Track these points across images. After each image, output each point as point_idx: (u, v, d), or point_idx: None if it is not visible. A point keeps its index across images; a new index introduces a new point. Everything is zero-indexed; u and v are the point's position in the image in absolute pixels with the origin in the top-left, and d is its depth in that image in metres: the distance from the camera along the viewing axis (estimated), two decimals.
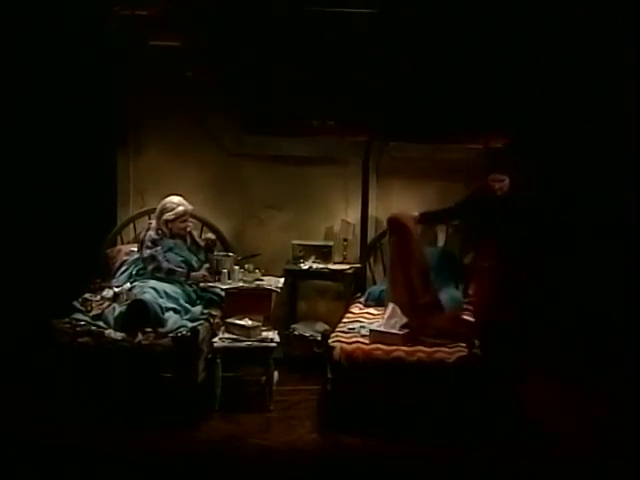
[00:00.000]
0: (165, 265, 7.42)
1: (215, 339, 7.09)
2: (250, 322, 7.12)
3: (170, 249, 7.54)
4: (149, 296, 7.03)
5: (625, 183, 7.77)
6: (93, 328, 6.86)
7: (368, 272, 8.16)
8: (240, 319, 7.15)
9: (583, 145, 7.74)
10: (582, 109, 7.72)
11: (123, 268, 7.65)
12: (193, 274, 7.49)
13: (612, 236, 7.79)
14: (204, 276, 7.47)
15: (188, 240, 7.69)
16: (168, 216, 7.56)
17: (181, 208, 7.59)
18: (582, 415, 6.94)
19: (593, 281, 7.83)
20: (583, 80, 7.73)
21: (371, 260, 8.19)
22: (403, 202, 8.18)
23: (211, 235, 7.96)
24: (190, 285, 7.46)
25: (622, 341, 7.68)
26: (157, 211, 7.63)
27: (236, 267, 7.43)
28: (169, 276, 7.39)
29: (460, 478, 6.15)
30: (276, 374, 7.29)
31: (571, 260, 7.80)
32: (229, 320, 7.20)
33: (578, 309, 7.77)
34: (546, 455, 6.33)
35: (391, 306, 7.00)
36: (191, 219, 7.78)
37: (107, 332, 6.81)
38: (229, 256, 7.54)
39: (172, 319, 6.98)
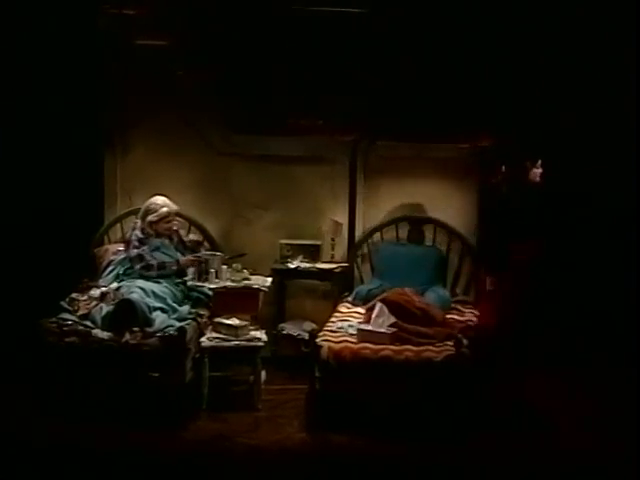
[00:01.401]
0: (154, 261, 7.42)
1: (203, 338, 7.08)
2: (238, 321, 7.12)
3: (157, 248, 7.53)
4: (136, 295, 7.01)
5: (625, 183, 7.78)
6: (80, 328, 6.84)
7: (356, 271, 8.16)
8: (228, 318, 7.15)
9: (583, 145, 7.74)
10: (582, 109, 7.72)
11: (110, 268, 7.62)
12: (182, 259, 7.49)
13: (612, 236, 7.79)
14: (194, 257, 7.46)
15: (175, 239, 7.68)
16: (152, 217, 7.54)
17: (165, 209, 7.56)
18: (582, 415, 6.94)
19: (593, 281, 7.83)
20: (583, 80, 7.74)
21: (358, 259, 8.19)
22: (391, 201, 8.21)
23: (194, 236, 7.95)
24: (178, 284, 7.45)
25: (622, 341, 7.69)
26: (141, 212, 7.61)
27: (224, 266, 7.42)
28: (160, 271, 7.39)
29: (448, 477, 6.15)
30: (264, 373, 7.29)
31: (571, 260, 7.81)
32: (217, 319, 7.20)
33: (578, 309, 7.78)
34: (540, 455, 6.33)
35: (379, 305, 7.01)
36: (178, 218, 7.76)
37: (94, 332, 6.79)
38: (216, 255, 7.52)
39: (159, 318, 6.97)
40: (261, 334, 7.16)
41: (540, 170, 6.99)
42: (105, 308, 6.98)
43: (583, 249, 7.80)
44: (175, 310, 7.20)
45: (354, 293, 7.86)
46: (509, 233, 7.00)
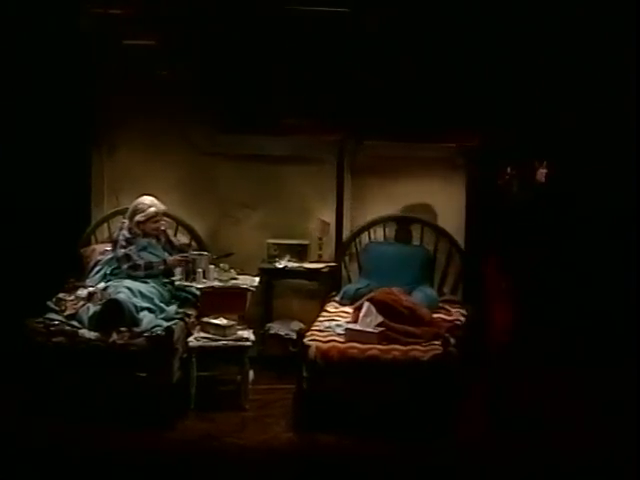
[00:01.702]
0: (141, 261, 7.41)
1: (190, 338, 7.08)
2: (225, 321, 7.12)
3: (144, 248, 7.52)
4: (124, 295, 7.00)
5: (625, 183, 7.78)
6: (67, 328, 6.83)
7: (343, 271, 8.17)
8: (215, 318, 7.15)
9: (583, 145, 7.73)
10: (582, 109, 7.72)
11: (97, 268, 7.61)
12: (169, 259, 7.48)
13: (612, 236, 7.80)
14: (181, 257, 7.46)
15: (162, 239, 7.67)
16: (139, 217, 7.53)
17: (152, 209, 7.55)
18: (581, 415, 6.95)
19: (593, 281, 7.83)
20: (583, 80, 7.73)
21: (346, 259, 8.19)
22: (378, 201, 8.21)
23: (184, 239, 7.95)
24: (165, 284, 7.44)
25: (622, 341, 7.69)
26: (129, 212, 7.60)
27: (211, 266, 7.42)
28: (148, 271, 7.38)
29: (435, 477, 6.15)
30: (251, 373, 7.29)
31: (571, 260, 7.80)
32: (204, 319, 7.19)
33: (578, 309, 7.78)
34: (540, 455, 6.33)
35: (366, 305, 7.01)
36: (166, 218, 7.76)
37: (81, 332, 6.79)
38: (204, 255, 7.52)
39: (147, 318, 6.96)
40: (249, 334, 7.16)
41: (545, 170, 7.02)
42: (92, 308, 6.97)
43: (583, 249, 7.80)
44: (162, 310, 7.19)
45: (342, 293, 7.85)
46: (517, 233, 7.02)
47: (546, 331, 7.58)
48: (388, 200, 8.18)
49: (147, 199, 7.60)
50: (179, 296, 7.49)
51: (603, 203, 7.81)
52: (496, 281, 7.02)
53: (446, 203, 8.12)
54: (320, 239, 8.12)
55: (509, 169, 7.09)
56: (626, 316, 7.64)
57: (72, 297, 7.22)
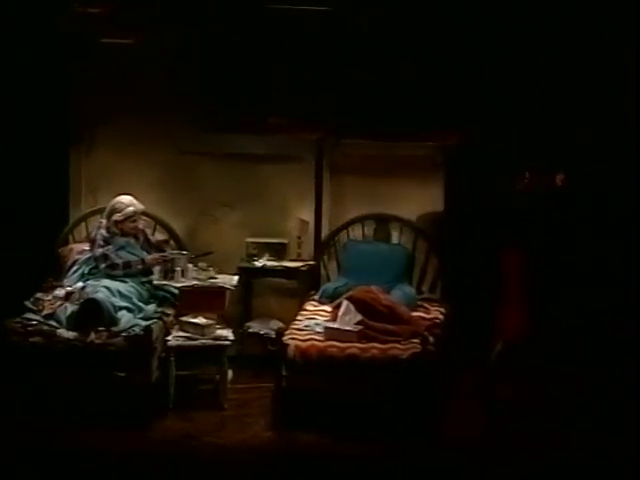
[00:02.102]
0: (119, 260, 7.38)
1: (169, 337, 7.06)
2: (204, 320, 7.10)
3: (122, 247, 7.49)
4: (102, 295, 6.98)
5: (625, 183, 7.80)
6: (45, 327, 6.81)
7: (322, 269, 8.16)
8: (194, 317, 7.13)
9: (583, 145, 7.75)
10: (582, 109, 7.73)
11: (75, 267, 7.58)
12: (148, 258, 7.46)
13: (612, 236, 7.81)
14: (159, 256, 7.44)
15: (141, 238, 7.65)
16: (117, 217, 7.51)
17: (130, 209, 7.53)
18: (581, 415, 6.94)
19: (593, 281, 7.84)
20: (582, 80, 7.74)
21: (325, 257, 8.19)
22: (357, 199, 8.21)
23: (161, 236, 7.93)
24: (144, 284, 7.42)
25: (622, 341, 7.70)
26: (107, 211, 7.58)
27: (190, 265, 7.41)
28: (126, 270, 7.36)
29: (415, 477, 6.16)
30: (230, 372, 7.28)
31: (571, 260, 7.81)
32: (183, 318, 7.18)
33: (578, 309, 7.79)
34: (541, 455, 6.33)
35: (345, 303, 7.02)
36: (144, 217, 7.74)
37: (59, 331, 6.77)
38: (182, 254, 7.50)
39: (125, 318, 6.95)
40: (227, 333, 7.15)
41: (563, 176, 7.06)
42: (70, 308, 6.95)
43: (583, 249, 7.81)
44: (141, 309, 7.18)
45: (321, 291, 7.85)
46: (535, 234, 7.07)
47: (546, 331, 7.59)
48: (367, 198, 8.18)
49: (125, 199, 7.58)
50: (158, 295, 7.47)
51: (603, 203, 7.83)
52: (516, 281, 7.04)
53: (425, 201, 8.13)
54: (299, 238, 8.12)
55: (527, 174, 7.13)
56: (626, 316, 7.65)
57: (50, 297, 7.21)
